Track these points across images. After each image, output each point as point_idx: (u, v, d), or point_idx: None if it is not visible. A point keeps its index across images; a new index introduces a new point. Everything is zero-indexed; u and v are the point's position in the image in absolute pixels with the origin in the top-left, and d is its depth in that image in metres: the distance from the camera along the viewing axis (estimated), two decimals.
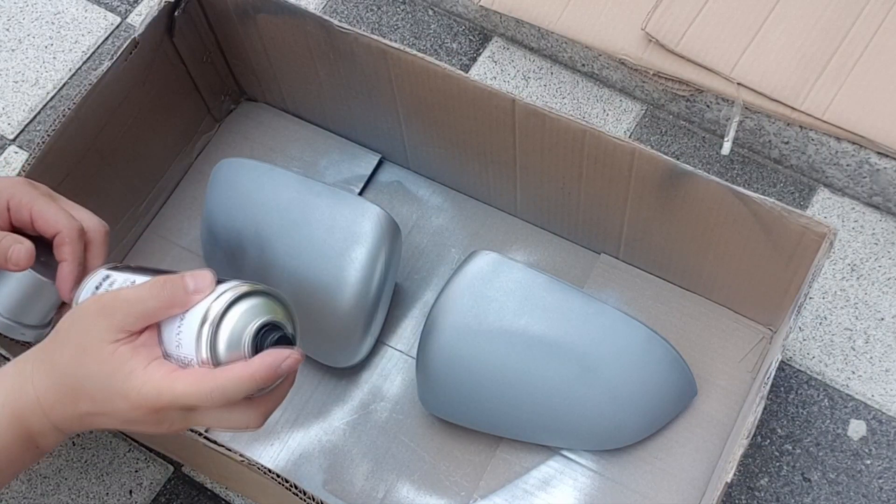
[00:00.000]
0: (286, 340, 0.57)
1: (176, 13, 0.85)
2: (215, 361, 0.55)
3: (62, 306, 0.68)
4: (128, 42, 0.82)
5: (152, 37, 0.85)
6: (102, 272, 0.63)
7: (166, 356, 0.57)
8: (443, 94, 0.81)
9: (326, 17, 0.82)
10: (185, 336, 0.56)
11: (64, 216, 0.64)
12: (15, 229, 0.65)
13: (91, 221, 0.66)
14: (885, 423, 0.84)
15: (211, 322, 0.55)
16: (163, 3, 0.84)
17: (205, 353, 0.55)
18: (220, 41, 0.93)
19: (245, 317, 0.56)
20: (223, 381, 0.54)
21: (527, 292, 0.78)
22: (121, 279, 0.61)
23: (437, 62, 0.79)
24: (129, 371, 0.55)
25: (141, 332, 0.56)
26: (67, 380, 0.57)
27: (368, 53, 0.82)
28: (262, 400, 0.58)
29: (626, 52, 0.95)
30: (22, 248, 0.63)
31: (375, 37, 0.81)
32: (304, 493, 0.66)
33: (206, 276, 0.57)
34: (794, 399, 0.85)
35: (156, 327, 0.57)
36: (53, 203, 0.65)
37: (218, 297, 0.56)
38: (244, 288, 0.57)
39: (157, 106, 0.90)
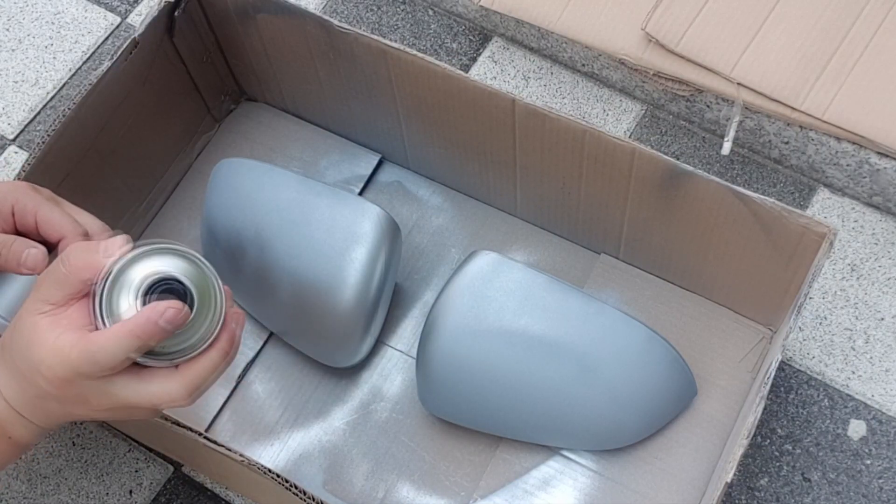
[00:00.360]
0: (179, 295, 0.55)
1: (176, 13, 0.85)
2: (112, 323, 0.54)
3: None
4: (128, 42, 0.81)
5: (152, 37, 0.85)
6: None
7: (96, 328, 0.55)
8: (443, 94, 0.81)
9: (326, 17, 0.82)
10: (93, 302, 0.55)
11: (68, 221, 0.64)
12: (18, 234, 0.65)
13: (94, 226, 0.66)
14: (885, 423, 0.84)
15: (102, 283, 0.54)
16: (163, 3, 0.84)
17: (98, 316, 0.54)
18: (220, 41, 0.93)
19: (140, 275, 0.55)
20: (104, 340, 0.53)
21: (527, 292, 0.78)
22: None
23: (436, 62, 0.79)
24: (41, 342, 0.54)
25: (70, 304, 0.56)
26: (12, 362, 0.57)
27: (368, 53, 0.82)
28: (186, 370, 0.57)
29: (626, 52, 0.95)
30: (37, 252, 0.62)
31: (375, 37, 0.81)
32: (304, 493, 0.66)
33: (118, 239, 0.56)
34: (794, 399, 0.85)
35: (84, 300, 0.56)
36: (58, 207, 0.64)
37: (118, 258, 0.55)
38: (144, 248, 0.55)
39: (157, 106, 0.90)
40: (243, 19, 0.88)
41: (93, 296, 0.55)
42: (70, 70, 1.05)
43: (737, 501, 0.82)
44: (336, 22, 0.81)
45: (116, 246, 0.56)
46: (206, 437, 0.67)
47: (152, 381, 0.56)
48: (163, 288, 0.55)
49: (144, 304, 0.55)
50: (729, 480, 0.65)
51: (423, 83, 0.82)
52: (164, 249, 0.56)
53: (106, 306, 0.54)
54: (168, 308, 0.54)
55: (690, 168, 0.74)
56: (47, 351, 0.54)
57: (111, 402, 0.56)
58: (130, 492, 0.84)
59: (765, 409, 0.80)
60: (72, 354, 0.54)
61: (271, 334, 0.88)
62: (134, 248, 0.56)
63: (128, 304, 0.54)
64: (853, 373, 0.86)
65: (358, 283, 0.79)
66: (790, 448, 0.84)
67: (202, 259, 0.57)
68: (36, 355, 0.55)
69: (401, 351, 0.87)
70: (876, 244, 0.91)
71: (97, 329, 0.55)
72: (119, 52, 0.81)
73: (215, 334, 0.57)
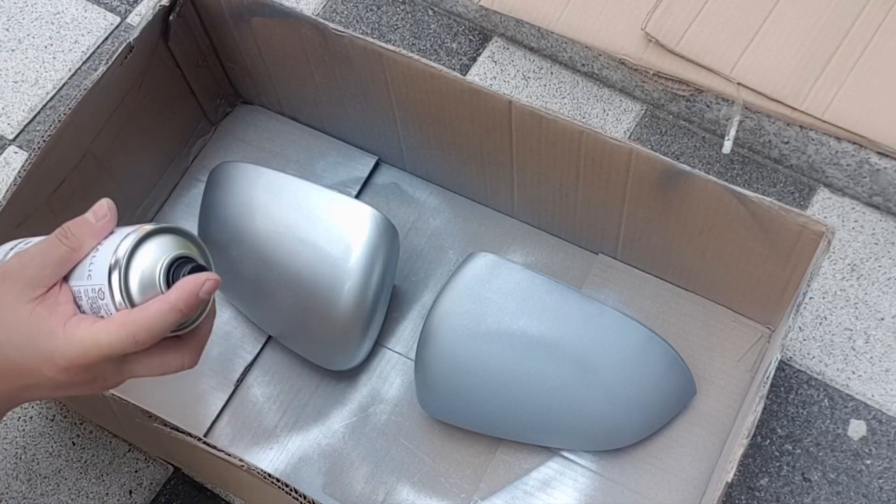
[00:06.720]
0: (200, 270, 0.56)
1: (171, 17, 0.85)
2: (132, 305, 0.54)
3: None
4: (122, 47, 0.81)
5: (147, 41, 0.84)
6: (14, 241, 0.60)
7: (82, 311, 0.55)
8: (439, 95, 0.81)
9: (322, 20, 0.82)
10: (97, 285, 0.54)
11: None
12: None
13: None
14: (885, 423, 0.84)
15: (119, 266, 0.54)
16: (157, 8, 0.84)
17: (119, 298, 0.54)
18: (215, 45, 0.93)
19: (154, 254, 0.55)
20: (144, 318, 0.53)
21: (525, 294, 0.78)
22: (32, 241, 0.59)
23: (433, 64, 0.79)
24: (49, 332, 0.53)
25: (57, 285, 0.54)
26: None
27: (364, 56, 0.82)
28: (191, 336, 0.56)
29: (626, 52, 0.95)
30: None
31: (371, 39, 0.81)
32: (305, 497, 0.66)
33: (103, 204, 0.56)
34: (794, 399, 0.85)
35: (65, 283, 0.55)
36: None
37: (122, 240, 0.55)
38: (147, 228, 0.55)
39: (153, 110, 0.90)
40: (238, 22, 0.87)
41: (109, 276, 0.54)
42: (70, 70, 1.05)
43: (737, 501, 0.82)
44: (332, 24, 0.81)
45: (106, 208, 0.56)
46: (204, 442, 0.67)
47: (165, 353, 0.55)
48: (177, 265, 0.56)
49: (167, 281, 0.55)
50: (729, 480, 0.64)
51: (419, 85, 0.82)
52: (162, 230, 0.56)
53: (124, 287, 0.54)
54: (207, 280, 0.54)
55: (687, 168, 0.74)
56: (61, 339, 0.52)
57: (122, 378, 0.55)
58: (130, 492, 0.84)
59: (765, 408, 0.80)
60: (100, 338, 0.52)
61: (269, 338, 0.88)
62: (132, 231, 0.56)
63: (145, 283, 0.54)
64: (853, 373, 0.86)
65: (356, 285, 0.79)
66: (790, 448, 0.83)
67: (192, 234, 0.58)
68: (44, 344, 0.53)
69: (399, 353, 0.87)
70: (876, 244, 0.91)
71: (81, 312, 0.55)
72: (114, 57, 0.81)
73: (210, 301, 0.58)
